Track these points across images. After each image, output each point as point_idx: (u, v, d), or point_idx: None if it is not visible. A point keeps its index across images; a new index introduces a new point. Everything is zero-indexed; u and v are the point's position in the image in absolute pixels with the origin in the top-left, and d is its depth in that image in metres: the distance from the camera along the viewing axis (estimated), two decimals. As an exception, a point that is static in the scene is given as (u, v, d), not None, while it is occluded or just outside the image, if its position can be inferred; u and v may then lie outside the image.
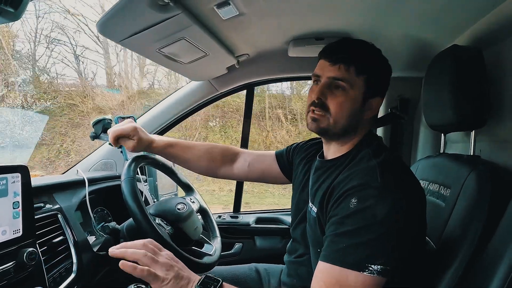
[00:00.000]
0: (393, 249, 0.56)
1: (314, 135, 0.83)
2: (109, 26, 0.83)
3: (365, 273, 0.55)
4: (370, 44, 0.73)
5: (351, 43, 0.72)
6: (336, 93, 0.69)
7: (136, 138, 0.91)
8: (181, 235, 0.91)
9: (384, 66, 0.72)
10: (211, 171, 1.02)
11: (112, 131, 0.91)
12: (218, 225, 1.13)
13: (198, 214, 1.09)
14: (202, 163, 0.99)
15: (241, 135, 1.68)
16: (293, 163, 0.95)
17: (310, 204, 0.77)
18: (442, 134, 1.00)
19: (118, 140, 0.92)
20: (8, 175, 0.64)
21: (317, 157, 0.82)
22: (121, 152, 0.99)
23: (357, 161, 0.68)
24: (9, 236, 0.64)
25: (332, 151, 0.76)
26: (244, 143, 1.66)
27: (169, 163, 1.10)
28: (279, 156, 0.99)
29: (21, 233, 0.66)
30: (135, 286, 0.81)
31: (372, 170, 0.62)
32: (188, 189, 1.15)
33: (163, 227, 0.89)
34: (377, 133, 1.47)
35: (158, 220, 0.90)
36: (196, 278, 0.61)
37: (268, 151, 1.04)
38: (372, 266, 0.55)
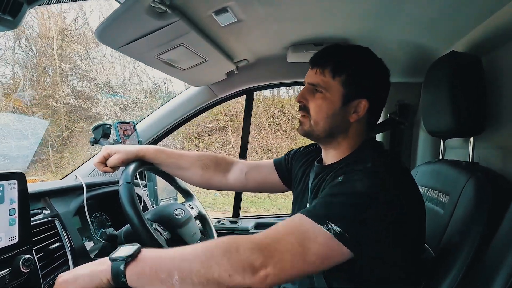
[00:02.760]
0: (362, 223, 0.55)
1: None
2: (108, 34, 0.84)
3: (322, 227, 0.54)
4: (353, 47, 0.73)
5: (331, 48, 0.73)
6: (316, 96, 0.71)
7: (115, 151, 0.88)
8: (178, 241, 0.91)
9: (367, 67, 0.71)
10: (205, 180, 0.98)
11: (95, 164, 0.90)
12: (217, 230, 1.13)
13: (197, 220, 1.09)
14: (195, 170, 0.96)
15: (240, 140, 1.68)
16: (292, 170, 0.94)
17: None
18: (441, 140, 1.00)
19: (105, 167, 0.90)
20: (5, 182, 0.64)
21: (316, 163, 0.81)
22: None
23: (355, 161, 0.67)
24: (5, 243, 0.64)
25: (330, 156, 0.76)
26: (243, 149, 1.66)
27: None
28: (277, 164, 0.97)
29: (17, 240, 0.66)
30: None
31: (366, 159, 0.64)
32: (187, 195, 1.15)
33: (160, 232, 0.88)
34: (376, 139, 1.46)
35: (155, 226, 0.90)
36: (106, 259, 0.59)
37: (264, 160, 1.02)
38: (332, 224, 0.54)
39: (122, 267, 0.55)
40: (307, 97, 0.72)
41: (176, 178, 1.11)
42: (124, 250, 0.58)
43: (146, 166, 0.98)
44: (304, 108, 0.73)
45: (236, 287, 0.51)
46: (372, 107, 0.71)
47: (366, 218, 0.55)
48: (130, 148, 0.90)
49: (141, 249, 0.58)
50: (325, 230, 0.53)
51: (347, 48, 0.73)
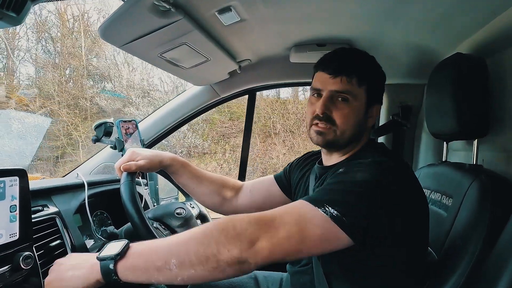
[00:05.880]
0: (361, 210, 0.55)
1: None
2: (111, 31, 0.84)
3: (320, 210, 0.55)
4: (365, 53, 0.74)
5: (348, 54, 0.72)
6: (340, 105, 0.69)
7: (140, 157, 0.85)
8: None
9: (381, 74, 0.74)
10: (217, 206, 0.98)
11: (116, 167, 0.86)
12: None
13: (198, 219, 1.09)
14: (211, 197, 0.96)
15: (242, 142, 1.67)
16: (291, 181, 0.94)
17: None
18: (445, 142, 0.99)
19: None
20: (6, 179, 0.64)
21: (317, 164, 0.81)
22: (122, 155, 0.99)
23: (357, 159, 0.68)
24: (5, 239, 0.64)
25: (333, 158, 0.76)
26: (245, 149, 1.66)
27: None
28: (278, 178, 0.98)
29: (17, 236, 0.66)
30: None
31: (366, 157, 0.65)
32: (188, 194, 1.15)
33: (161, 231, 0.88)
34: (378, 140, 1.46)
35: (156, 224, 0.90)
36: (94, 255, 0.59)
37: (265, 176, 1.03)
38: (330, 208, 0.54)
39: (111, 266, 0.54)
40: (330, 107, 0.69)
41: None
42: (112, 247, 0.57)
43: None
44: (327, 119, 0.69)
45: (234, 261, 0.52)
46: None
47: (366, 206, 0.55)
48: (155, 157, 0.87)
49: (130, 244, 0.58)
50: (322, 212, 0.54)
51: (364, 56, 0.73)
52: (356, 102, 0.69)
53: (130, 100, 6.27)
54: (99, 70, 6.33)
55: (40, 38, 5.80)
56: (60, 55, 6.05)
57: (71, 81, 6.09)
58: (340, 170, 0.63)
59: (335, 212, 0.54)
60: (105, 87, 6.31)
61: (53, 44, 6.01)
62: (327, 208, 0.54)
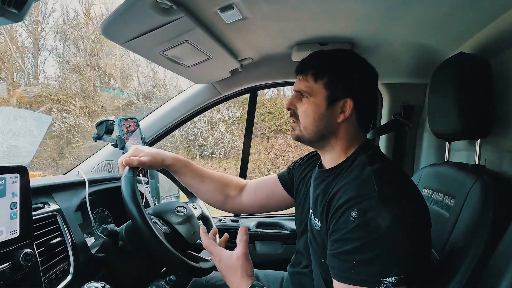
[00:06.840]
0: (404, 256, 0.55)
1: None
2: (113, 28, 0.83)
3: (381, 287, 0.54)
4: (335, 50, 0.74)
5: (312, 54, 0.75)
6: (303, 101, 0.73)
7: (143, 154, 0.86)
8: (178, 237, 0.90)
9: (347, 67, 0.71)
10: (220, 205, 1.00)
11: (119, 162, 0.85)
12: (218, 228, 1.12)
13: (199, 220, 1.08)
14: (214, 195, 0.97)
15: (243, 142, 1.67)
16: (294, 180, 0.95)
17: (312, 215, 0.76)
18: (447, 142, 0.99)
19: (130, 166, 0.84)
20: (7, 176, 0.64)
21: (317, 167, 0.81)
22: (123, 153, 0.99)
23: (352, 169, 0.67)
24: (6, 236, 0.64)
25: (327, 160, 0.76)
26: (246, 149, 1.65)
27: None
28: (281, 177, 0.98)
29: (18, 234, 0.66)
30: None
31: (368, 178, 0.61)
32: (191, 195, 1.14)
33: (159, 225, 0.88)
34: (380, 140, 1.45)
35: (155, 219, 0.89)
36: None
37: (269, 175, 1.03)
38: (387, 279, 0.54)
39: None
40: (295, 104, 0.74)
41: None
42: None
43: None
44: (293, 115, 0.75)
45: None
46: (359, 106, 0.70)
47: (407, 250, 0.56)
48: (157, 155, 0.88)
49: None
50: None
51: (327, 52, 0.74)
52: (314, 97, 0.71)
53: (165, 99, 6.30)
54: (129, 69, 6.35)
55: (68, 37, 5.80)
56: (88, 55, 6.05)
57: (103, 80, 6.09)
58: (353, 216, 0.58)
59: (393, 279, 0.53)
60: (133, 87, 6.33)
61: (82, 44, 6.01)
62: (385, 281, 0.53)
